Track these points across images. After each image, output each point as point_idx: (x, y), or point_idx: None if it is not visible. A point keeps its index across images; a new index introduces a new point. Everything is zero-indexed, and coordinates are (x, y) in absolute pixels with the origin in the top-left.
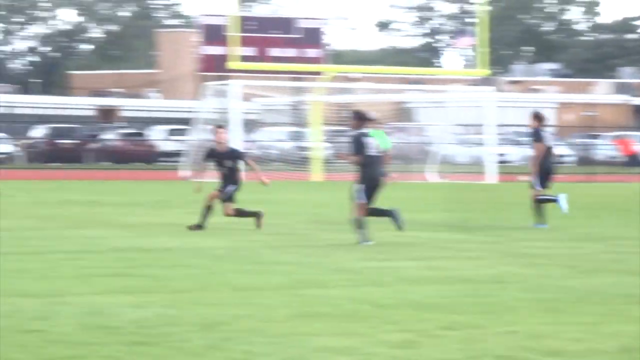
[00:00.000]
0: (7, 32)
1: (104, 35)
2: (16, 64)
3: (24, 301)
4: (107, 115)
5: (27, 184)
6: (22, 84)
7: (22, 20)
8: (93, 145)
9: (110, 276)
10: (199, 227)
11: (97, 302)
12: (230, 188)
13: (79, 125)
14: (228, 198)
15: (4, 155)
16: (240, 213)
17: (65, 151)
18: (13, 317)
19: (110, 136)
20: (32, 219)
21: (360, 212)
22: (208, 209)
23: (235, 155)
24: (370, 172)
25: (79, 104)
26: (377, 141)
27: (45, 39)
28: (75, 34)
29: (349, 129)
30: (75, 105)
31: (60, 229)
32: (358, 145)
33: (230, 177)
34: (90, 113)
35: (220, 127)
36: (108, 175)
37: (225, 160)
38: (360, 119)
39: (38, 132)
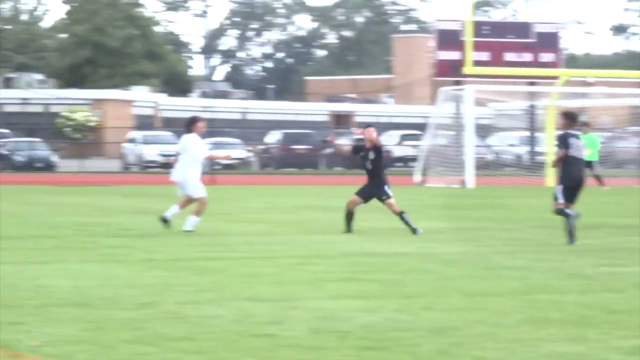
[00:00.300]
0: (243, 39)
1: (339, 41)
2: (251, 70)
3: (255, 305)
4: (341, 120)
5: (260, 189)
6: (257, 90)
7: (258, 26)
8: (327, 151)
9: (341, 281)
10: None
11: (328, 306)
12: (383, 189)
13: (312, 131)
14: (387, 196)
15: (237, 161)
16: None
17: (299, 157)
18: (244, 322)
19: (344, 141)
20: (264, 224)
21: (560, 211)
22: (349, 215)
23: (379, 152)
24: (571, 172)
25: (313, 110)
26: (584, 144)
27: (280, 45)
28: (310, 39)
29: (558, 129)
30: (310, 111)
31: (292, 234)
32: (563, 143)
33: (374, 174)
34: (324, 119)
35: (369, 125)
36: (341, 180)
37: (369, 156)
38: (569, 119)
39: (272, 137)
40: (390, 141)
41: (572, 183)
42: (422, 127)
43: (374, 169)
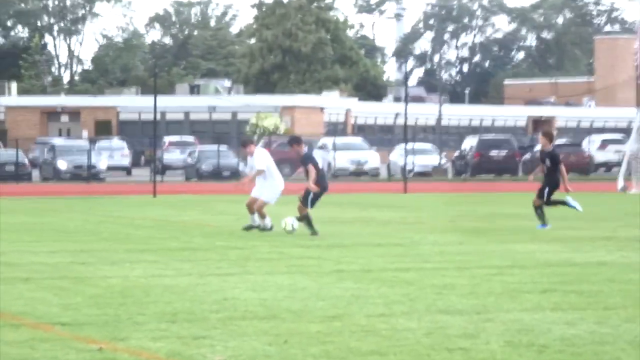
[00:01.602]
0: (438, 42)
1: (538, 43)
2: (446, 74)
3: (449, 318)
4: (540, 125)
5: (454, 197)
6: (452, 94)
7: (453, 29)
8: (525, 157)
9: (539, 292)
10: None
11: (525, 319)
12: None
13: (510, 137)
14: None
15: (430, 168)
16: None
17: (496, 163)
18: (437, 335)
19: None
20: (458, 232)
21: None
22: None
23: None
24: None
25: (511, 115)
26: None
27: (477, 48)
28: (508, 42)
29: None
30: (507, 116)
31: (487, 243)
32: None
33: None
34: (523, 124)
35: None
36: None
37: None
38: None
39: (468, 143)
40: (591, 146)
41: None
42: (625, 131)
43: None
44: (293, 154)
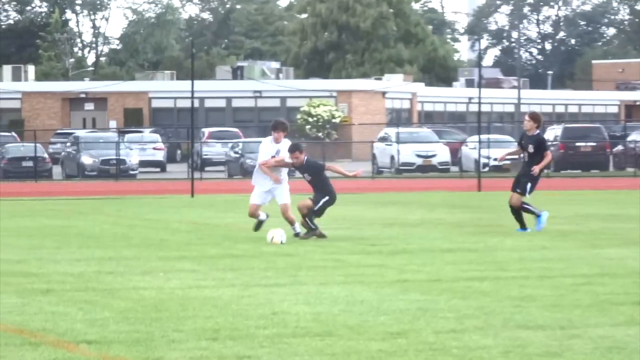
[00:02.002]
0: (516, 17)
1: (632, 17)
2: (526, 54)
3: (529, 334)
4: (634, 112)
5: (535, 195)
6: (532, 77)
7: (534, 1)
8: (617, 148)
9: (633, 304)
10: None
11: (617, 334)
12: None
13: (599, 125)
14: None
15: (508, 162)
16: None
17: (583, 156)
18: (515, 353)
19: (639, 137)
20: (540, 236)
21: None
22: None
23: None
24: None
25: (600, 99)
26: None
27: (561, 24)
28: (597, 16)
29: None
30: (596, 101)
31: (573, 248)
32: None
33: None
34: (614, 110)
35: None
36: (633, 184)
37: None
38: None
39: (551, 133)
40: None
41: None
42: None
43: None
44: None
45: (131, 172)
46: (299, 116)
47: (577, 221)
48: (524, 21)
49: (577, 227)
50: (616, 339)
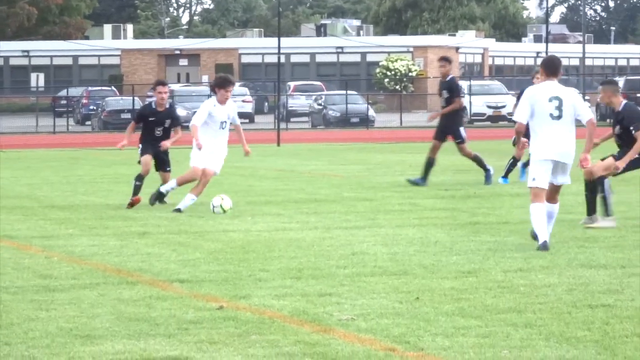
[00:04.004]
0: None
1: None
2: (591, 10)
3: (591, 273)
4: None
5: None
6: (597, 32)
7: None
8: None
9: None
10: None
11: None
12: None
13: None
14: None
15: None
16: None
17: None
18: (579, 291)
19: None
20: None
21: None
22: None
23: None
24: None
25: None
26: None
27: None
28: None
29: None
30: None
31: (632, 192)
32: None
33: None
34: None
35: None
36: None
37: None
38: None
39: None
40: None
41: None
42: None
43: None
44: None
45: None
46: (377, 70)
47: None
48: None
49: (637, 173)
50: None
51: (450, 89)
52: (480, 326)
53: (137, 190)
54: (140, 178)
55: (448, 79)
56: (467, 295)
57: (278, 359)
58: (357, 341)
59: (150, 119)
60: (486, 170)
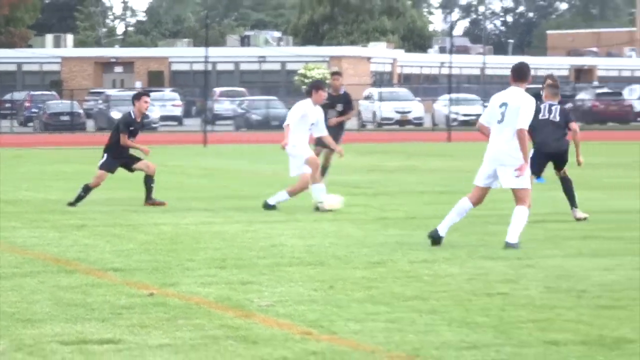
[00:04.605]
0: None
1: None
2: (491, 25)
3: (491, 264)
4: (582, 75)
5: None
6: (496, 44)
7: None
8: (567, 106)
9: (580, 239)
10: None
11: (566, 265)
12: None
13: None
14: None
15: (473, 117)
16: None
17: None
18: (478, 280)
19: (585, 96)
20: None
21: None
22: None
23: (346, 100)
24: None
25: (553, 64)
26: None
27: None
28: None
29: None
30: (550, 65)
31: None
32: None
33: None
34: (565, 73)
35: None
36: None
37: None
38: None
39: None
40: (632, 95)
41: None
42: None
43: None
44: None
45: (153, 125)
46: (296, 78)
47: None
48: None
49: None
50: (565, 268)
51: (346, 102)
52: (388, 312)
53: (80, 199)
54: (87, 190)
55: (342, 92)
56: (377, 284)
57: (203, 341)
58: (276, 325)
59: (130, 128)
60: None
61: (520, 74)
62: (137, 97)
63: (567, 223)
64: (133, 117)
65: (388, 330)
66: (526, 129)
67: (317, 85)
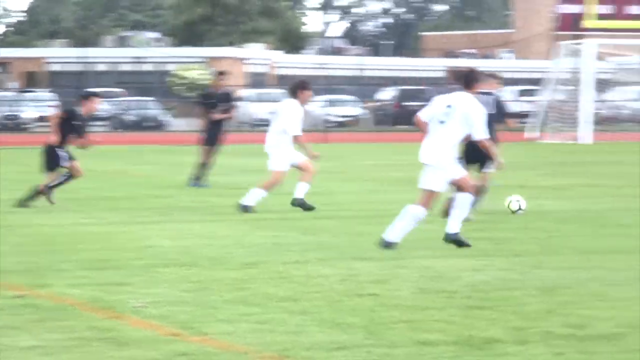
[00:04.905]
0: None
1: None
2: (369, 26)
3: (362, 265)
4: (458, 76)
5: (374, 147)
6: (374, 46)
7: None
8: None
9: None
10: None
11: (436, 265)
12: None
13: (428, 87)
14: None
15: (350, 118)
16: None
17: (414, 113)
18: (350, 281)
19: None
20: (376, 182)
21: None
22: None
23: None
24: None
25: (429, 66)
26: None
27: (400, 0)
28: None
29: None
30: (426, 67)
31: (404, 192)
32: None
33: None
34: (441, 74)
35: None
36: None
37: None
38: None
39: (386, 94)
40: (508, 96)
41: None
42: (540, 82)
43: None
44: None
45: (25, 126)
46: (168, 79)
47: (408, 169)
48: None
49: (409, 174)
50: (436, 269)
51: (228, 100)
52: (260, 313)
53: (55, 186)
54: (67, 179)
55: (226, 91)
56: (250, 285)
57: (70, 342)
58: (147, 327)
59: (76, 123)
60: (197, 178)
61: (467, 80)
62: (85, 97)
63: (438, 224)
64: (79, 113)
65: (260, 331)
66: (487, 137)
67: (301, 85)
